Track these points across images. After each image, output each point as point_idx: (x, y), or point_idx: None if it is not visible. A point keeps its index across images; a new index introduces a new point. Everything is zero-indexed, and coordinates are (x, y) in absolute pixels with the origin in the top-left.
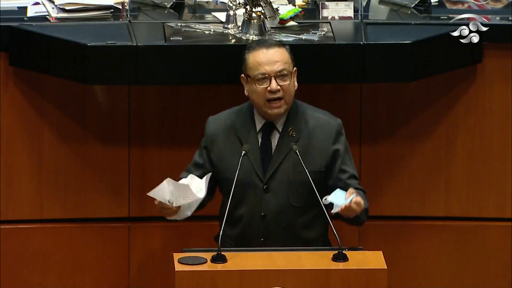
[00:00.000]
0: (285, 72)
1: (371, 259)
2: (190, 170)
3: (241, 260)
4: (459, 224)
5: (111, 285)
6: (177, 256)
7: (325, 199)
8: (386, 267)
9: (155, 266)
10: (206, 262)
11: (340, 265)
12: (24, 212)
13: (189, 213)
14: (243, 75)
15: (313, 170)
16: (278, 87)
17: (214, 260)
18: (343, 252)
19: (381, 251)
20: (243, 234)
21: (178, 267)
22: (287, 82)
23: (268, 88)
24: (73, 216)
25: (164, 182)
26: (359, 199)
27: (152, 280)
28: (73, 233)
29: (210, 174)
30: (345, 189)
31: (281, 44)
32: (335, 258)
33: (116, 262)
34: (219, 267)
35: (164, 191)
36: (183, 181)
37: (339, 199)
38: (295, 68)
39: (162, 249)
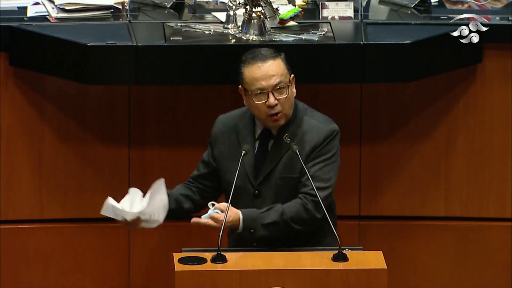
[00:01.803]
0: (282, 85)
1: (371, 259)
2: (198, 167)
3: (241, 260)
4: (459, 224)
5: (111, 285)
6: (177, 256)
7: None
8: (386, 267)
9: (155, 266)
10: (206, 262)
11: (340, 265)
12: (24, 212)
13: (160, 219)
14: (240, 87)
15: (297, 176)
16: (276, 101)
17: (214, 260)
18: (343, 252)
19: (381, 251)
20: (238, 238)
21: (178, 267)
22: (284, 95)
23: (267, 103)
24: (73, 216)
25: (106, 201)
26: (217, 215)
27: (152, 280)
28: (73, 233)
29: (161, 181)
30: (298, 192)
31: (276, 55)
32: (335, 258)
33: (116, 262)
34: (219, 267)
35: (110, 210)
36: (125, 198)
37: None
38: (292, 75)
39: (162, 249)
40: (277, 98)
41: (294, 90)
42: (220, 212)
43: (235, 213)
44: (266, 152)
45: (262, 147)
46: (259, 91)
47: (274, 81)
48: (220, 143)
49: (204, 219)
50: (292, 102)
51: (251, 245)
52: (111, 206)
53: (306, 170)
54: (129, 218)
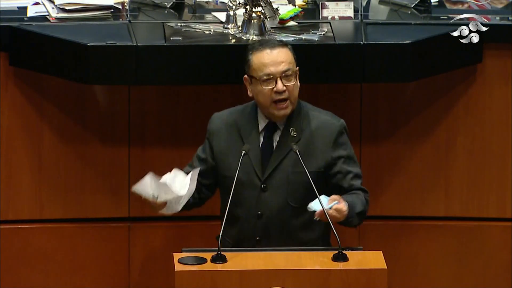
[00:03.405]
0: (290, 72)
1: (371, 259)
2: (193, 164)
3: (241, 260)
4: (459, 224)
5: (111, 285)
6: (177, 256)
7: (309, 207)
8: (386, 267)
9: (155, 266)
10: (206, 262)
11: (340, 265)
12: (24, 212)
13: (178, 208)
14: (246, 76)
15: (313, 171)
16: (284, 87)
17: (214, 260)
18: (343, 252)
19: (381, 251)
20: (240, 232)
21: (178, 267)
22: (292, 82)
23: (274, 89)
24: (73, 216)
25: (146, 176)
26: (340, 206)
27: (152, 280)
28: (73, 233)
29: (198, 169)
30: (349, 189)
31: (284, 44)
32: (335, 258)
33: (116, 262)
34: (219, 267)
35: (147, 186)
36: (165, 176)
37: (319, 205)
38: (297, 67)
39: (162, 249)
40: (285, 84)
41: (298, 83)
42: (338, 203)
43: (344, 203)
44: (272, 145)
45: (267, 141)
46: (267, 77)
47: (282, 67)
48: (219, 139)
49: (321, 210)
50: (297, 94)
51: (254, 238)
52: (151, 181)
53: (347, 168)
54: (163, 198)
